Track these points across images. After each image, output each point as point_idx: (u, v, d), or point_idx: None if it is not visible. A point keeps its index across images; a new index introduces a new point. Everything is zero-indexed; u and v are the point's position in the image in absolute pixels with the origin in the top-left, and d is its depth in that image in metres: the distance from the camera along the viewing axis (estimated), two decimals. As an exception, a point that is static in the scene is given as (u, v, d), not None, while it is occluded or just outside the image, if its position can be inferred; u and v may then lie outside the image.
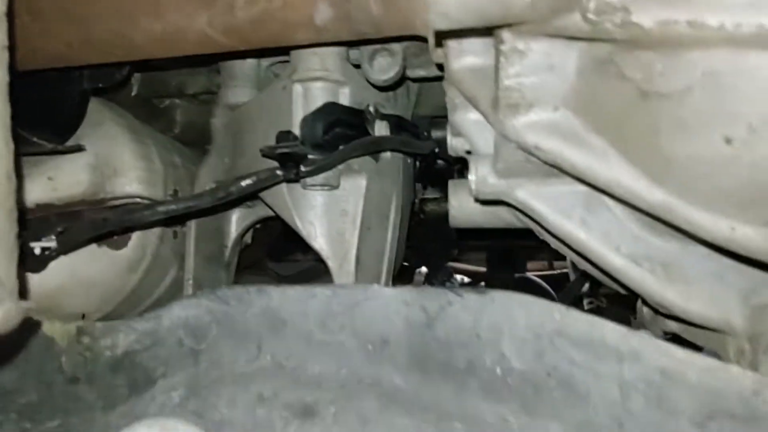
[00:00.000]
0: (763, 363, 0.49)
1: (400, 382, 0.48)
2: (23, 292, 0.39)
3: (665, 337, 0.74)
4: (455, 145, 0.67)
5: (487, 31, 0.44)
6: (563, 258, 2.12)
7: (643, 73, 0.37)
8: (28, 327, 0.57)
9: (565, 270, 2.08)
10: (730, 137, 0.35)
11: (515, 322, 0.43)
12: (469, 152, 0.63)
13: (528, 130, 0.48)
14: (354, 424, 0.42)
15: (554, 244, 0.71)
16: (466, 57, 0.54)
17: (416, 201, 1.71)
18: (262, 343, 0.52)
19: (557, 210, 0.56)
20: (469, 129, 0.60)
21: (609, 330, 0.38)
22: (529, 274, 1.90)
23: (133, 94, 1.34)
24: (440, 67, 0.80)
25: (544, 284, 1.86)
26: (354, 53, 0.97)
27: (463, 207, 0.77)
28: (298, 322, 0.51)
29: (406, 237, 1.28)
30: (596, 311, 2.07)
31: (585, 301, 2.02)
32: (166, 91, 1.40)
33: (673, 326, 0.65)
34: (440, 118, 1.35)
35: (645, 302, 0.59)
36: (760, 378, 0.32)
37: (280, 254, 1.94)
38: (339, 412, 0.44)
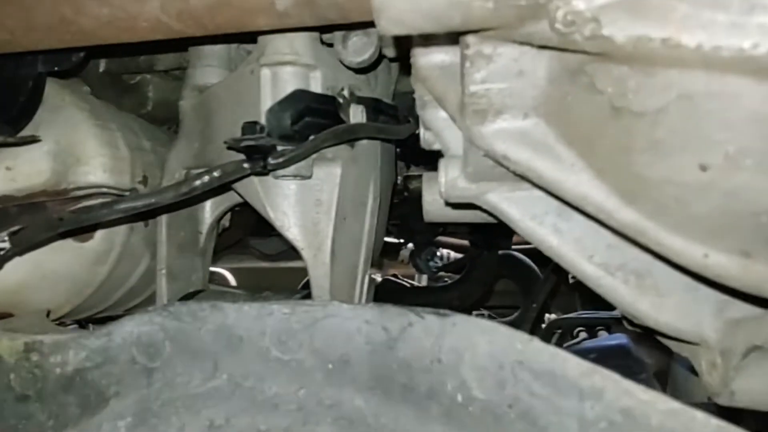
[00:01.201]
0: (735, 379, 0.48)
1: (360, 403, 0.46)
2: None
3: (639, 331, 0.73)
4: (428, 138, 0.63)
5: (451, 35, 0.40)
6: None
7: (616, 88, 0.34)
8: (-26, 343, 0.55)
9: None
10: (706, 164, 0.32)
11: (476, 348, 0.41)
12: (439, 152, 0.59)
13: (496, 138, 0.44)
14: (307, 457, 0.41)
15: (528, 237, 0.69)
16: (434, 54, 0.50)
17: (400, 179, 1.67)
18: (219, 361, 0.50)
19: (529, 215, 0.54)
20: (439, 128, 0.56)
21: (571, 365, 0.36)
22: (514, 250, 1.89)
23: (100, 70, 1.27)
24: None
25: (528, 261, 1.85)
26: (326, 34, 0.91)
27: (437, 202, 0.74)
28: (256, 340, 0.49)
29: (390, 215, 1.25)
30: (580, 286, 2.08)
31: (570, 276, 2.03)
32: (136, 66, 1.33)
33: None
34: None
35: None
36: (724, 425, 0.31)
37: (263, 231, 1.91)
38: (293, 441, 0.42)
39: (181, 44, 1.03)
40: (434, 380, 0.43)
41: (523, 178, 0.46)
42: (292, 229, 0.92)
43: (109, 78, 1.27)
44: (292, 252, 2.16)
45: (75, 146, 0.95)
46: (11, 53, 0.81)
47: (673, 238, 0.37)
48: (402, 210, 1.74)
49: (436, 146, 0.59)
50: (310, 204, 0.92)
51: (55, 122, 0.96)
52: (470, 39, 0.39)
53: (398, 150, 1.39)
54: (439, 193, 0.57)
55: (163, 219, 1.06)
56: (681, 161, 0.33)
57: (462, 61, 0.41)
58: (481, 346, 0.40)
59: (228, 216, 1.28)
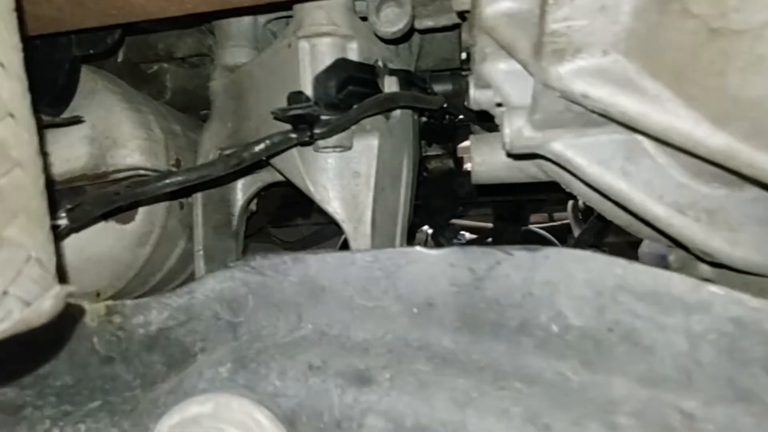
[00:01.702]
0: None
1: (449, 344, 0.47)
2: (62, 276, 0.37)
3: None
4: (480, 98, 0.64)
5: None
6: (564, 210, 2.13)
7: (714, 9, 0.35)
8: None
9: (565, 221, 2.08)
10: (811, 74, 0.33)
11: (572, 278, 0.41)
12: (499, 104, 0.60)
13: (574, 77, 0.45)
14: (412, 388, 0.41)
15: (583, 195, 0.70)
16: (502, 2, 0.50)
17: (420, 158, 1.68)
18: (302, 312, 0.51)
19: (596, 161, 0.55)
20: (500, 80, 0.57)
21: (676, 282, 0.37)
22: (533, 227, 1.90)
23: (119, 60, 1.27)
24: (461, 15, 0.76)
25: (549, 236, 1.87)
26: (360, 5, 0.91)
27: (487, 163, 0.75)
28: (338, 290, 0.50)
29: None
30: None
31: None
32: (155, 54, 1.33)
33: (706, 272, 0.65)
34: (441, 72, 1.31)
35: (684, 248, 0.58)
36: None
37: (280, 220, 1.92)
38: (395, 377, 0.43)
39: (217, 17, 1.03)
40: (526, 314, 0.44)
41: (602, 116, 0.46)
42: (332, 203, 0.93)
43: (128, 68, 1.28)
44: (311, 239, 2.16)
45: (111, 129, 0.96)
46: (48, 36, 0.82)
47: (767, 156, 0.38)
48: (422, 190, 1.74)
49: (496, 100, 0.60)
50: (348, 176, 0.93)
51: (89, 107, 0.96)
52: (556, -26, 0.40)
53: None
54: (503, 144, 0.58)
55: (199, 201, 1.07)
56: (784, 74, 0.34)
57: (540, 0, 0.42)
58: (577, 275, 0.41)
59: (255, 201, 1.29)
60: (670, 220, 0.52)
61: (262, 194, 1.31)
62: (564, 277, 0.42)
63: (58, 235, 0.75)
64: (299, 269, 0.51)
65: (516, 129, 0.56)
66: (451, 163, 1.69)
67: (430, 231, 2.05)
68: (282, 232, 2.05)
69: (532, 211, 1.89)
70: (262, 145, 0.77)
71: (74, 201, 0.77)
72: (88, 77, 0.99)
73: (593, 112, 0.46)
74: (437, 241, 1.85)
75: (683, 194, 0.52)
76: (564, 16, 0.42)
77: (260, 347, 0.48)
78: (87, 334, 0.55)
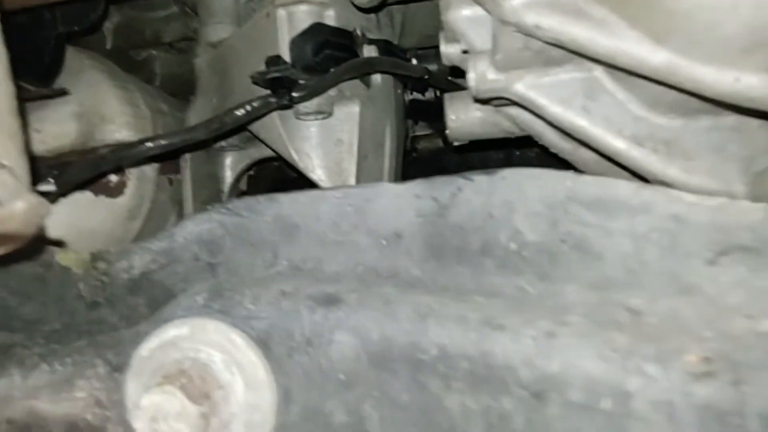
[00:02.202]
0: (764, 225, 0.51)
1: (416, 272, 0.49)
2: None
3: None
4: (449, 53, 0.66)
5: None
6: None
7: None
8: (42, 258, 0.58)
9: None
10: (736, -22, 0.35)
11: (527, 196, 0.43)
12: (465, 52, 0.62)
13: (527, 10, 0.47)
14: (378, 304, 0.43)
15: (554, 146, 0.72)
16: (459, -56, 0.52)
17: (408, 138, 1.69)
18: (278, 249, 0.53)
19: (557, 100, 0.57)
20: (464, 27, 0.59)
21: (620, 187, 0.39)
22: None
23: (107, 47, 1.30)
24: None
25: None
26: (336, -26, 0.93)
27: (461, 119, 0.77)
28: (311, 226, 0.52)
29: (400, 174, 1.28)
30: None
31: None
32: (143, 41, 1.35)
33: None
34: (426, 50, 1.33)
35: (645, 181, 0.60)
36: (769, 208, 0.34)
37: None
38: (362, 297, 0.45)
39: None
40: (487, 236, 0.46)
41: (555, 46, 0.48)
42: (316, 170, 0.95)
43: (117, 55, 1.30)
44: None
45: (99, 106, 0.98)
46: (32, 13, 0.84)
47: (705, 69, 0.40)
48: (411, 171, 1.76)
49: (463, 47, 0.62)
50: (331, 144, 0.95)
51: (76, 84, 0.98)
52: None
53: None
54: (470, 89, 0.60)
55: (188, 177, 1.09)
56: (711, -18, 0.36)
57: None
58: (531, 192, 0.43)
59: (245, 180, 1.31)
60: (629, 153, 0.55)
61: (252, 174, 1.33)
62: (520, 195, 0.44)
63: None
64: (273, 208, 0.53)
65: (480, 72, 0.58)
66: (440, 142, 1.71)
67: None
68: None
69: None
70: (242, 110, 0.79)
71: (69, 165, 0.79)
72: (74, 56, 1.01)
73: (547, 43, 0.48)
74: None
75: (641, 127, 0.54)
76: (513, -51, 0.44)
77: (237, 281, 0.50)
78: (73, 280, 0.57)
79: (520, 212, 0.44)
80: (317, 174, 0.96)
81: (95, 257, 0.57)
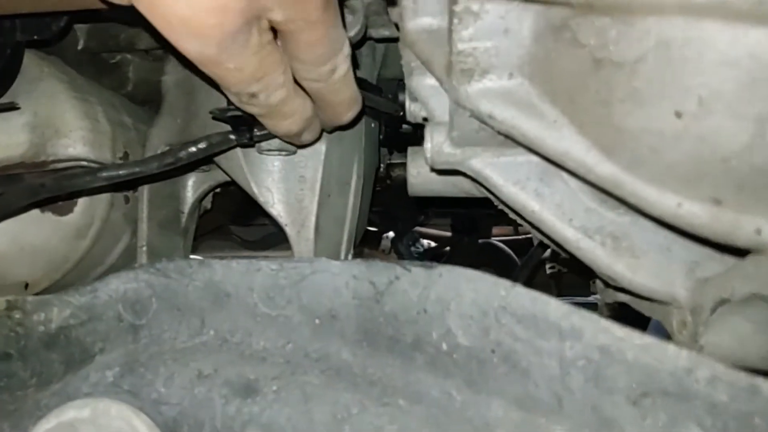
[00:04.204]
0: (703, 334, 0.50)
1: (347, 356, 0.47)
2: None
3: (615, 306, 0.76)
4: (413, 110, 0.64)
5: (439, -10, 0.41)
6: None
7: (597, 40, 0.35)
8: (-47, 301, 0.54)
9: (529, 235, 2.11)
10: (680, 110, 0.34)
11: (462, 297, 0.42)
12: (425, 119, 0.60)
13: (481, 98, 0.46)
14: (296, 401, 0.41)
15: (511, 213, 0.71)
16: (422, 18, 0.51)
17: (382, 166, 1.68)
18: (206, 317, 0.50)
19: (511, 180, 0.55)
20: (425, 95, 0.58)
21: (552, 307, 0.37)
22: (494, 240, 1.92)
23: (79, 48, 1.25)
24: (398, 26, 0.76)
25: (507, 250, 1.89)
26: (313, 10, 0.91)
27: (422, 175, 0.76)
28: (243, 297, 0.49)
29: (371, 202, 1.26)
30: (557, 276, 2.13)
31: (547, 266, 2.08)
32: (116, 45, 1.31)
33: (622, 296, 0.66)
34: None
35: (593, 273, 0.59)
36: (694, 356, 0.33)
37: (243, 218, 1.90)
38: (281, 389, 0.43)
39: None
40: (420, 330, 0.44)
41: (507, 137, 0.47)
42: (276, 206, 0.93)
43: (88, 57, 1.25)
44: (273, 239, 2.15)
45: (54, 118, 0.94)
46: (-11, 20, 0.80)
47: (649, 189, 0.39)
48: (384, 198, 1.75)
49: (423, 114, 0.60)
50: (294, 180, 0.93)
51: (33, 94, 0.94)
52: (459, -5, 0.40)
53: (381, 136, 1.40)
54: (425, 159, 0.58)
55: (145, 195, 1.05)
56: (658, 109, 0.35)
57: (450, 18, 0.43)
58: (466, 295, 0.42)
59: (210, 198, 1.28)
60: (578, 243, 0.53)
61: (218, 192, 1.29)
62: (455, 295, 0.42)
63: (-19, 224, 0.73)
64: (204, 273, 0.50)
65: (437, 144, 0.57)
66: (412, 172, 1.70)
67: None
68: (244, 231, 2.03)
69: (493, 223, 1.91)
70: (200, 145, 0.77)
71: (8, 186, 0.75)
72: (34, 63, 0.96)
73: (500, 133, 0.47)
74: (396, 249, 1.86)
75: (591, 219, 0.53)
76: (469, 37, 0.43)
77: (156, 351, 0.48)
78: (-15, 328, 0.53)
79: (454, 312, 0.43)
80: (276, 209, 0.93)
81: (11, 305, 0.53)
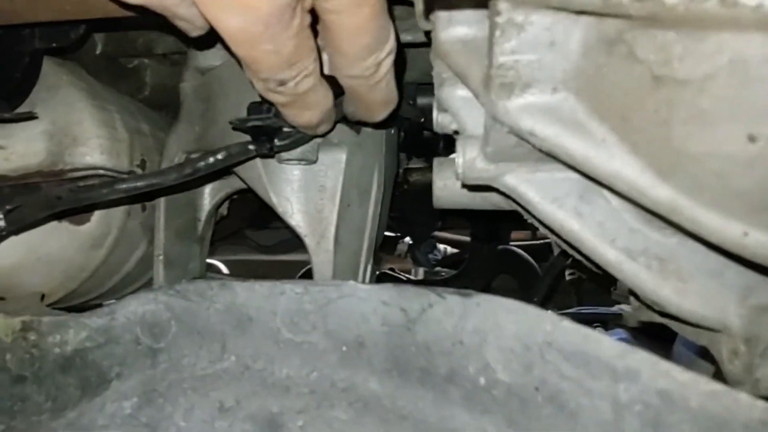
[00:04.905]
0: (760, 366, 0.47)
1: (375, 386, 0.45)
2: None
3: (642, 326, 0.72)
4: (442, 121, 0.61)
5: (482, 0, 0.38)
6: (547, 228, 2.10)
7: (659, 56, 0.32)
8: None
9: (548, 240, 2.07)
10: (755, 135, 0.31)
11: (502, 329, 0.39)
12: (456, 132, 0.57)
13: (522, 113, 0.42)
14: (323, 440, 0.39)
15: (543, 229, 0.67)
16: (457, 27, 0.48)
17: (401, 171, 1.65)
18: (227, 342, 0.48)
19: (549, 198, 0.52)
20: (456, 107, 0.55)
21: (605, 345, 0.34)
22: (513, 246, 1.88)
23: (97, 52, 1.24)
24: (428, 34, 0.73)
25: (526, 256, 1.84)
26: (334, 15, 0.89)
27: (448, 187, 0.73)
28: (266, 321, 0.47)
29: (389, 208, 1.24)
30: (577, 282, 2.08)
31: (566, 273, 2.03)
32: (134, 49, 1.30)
33: (661, 318, 0.62)
34: (427, 85, 1.29)
35: (636, 296, 0.56)
36: (771, 408, 0.29)
37: (259, 223, 1.88)
38: (307, 424, 0.40)
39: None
40: (455, 363, 0.41)
41: (549, 155, 0.44)
42: (295, 216, 0.90)
43: (106, 61, 1.24)
44: (288, 243, 2.13)
45: (72, 126, 0.92)
46: (8, 27, 0.79)
47: (711, 215, 0.36)
48: (402, 203, 1.72)
49: (453, 126, 0.57)
50: (313, 190, 0.90)
51: (51, 102, 0.93)
52: (502, 5, 0.37)
53: (400, 142, 1.37)
54: (456, 174, 0.55)
55: (162, 204, 1.04)
56: (727, 132, 0.32)
57: (491, 30, 0.40)
58: (507, 327, 0.39)
59: (226, 204, 1.26)
60: (621, 266, 0.50)
61: (235, 198, 1.28)
62: (494, 327, 0.39)
63: (-2, 236, 0.71)
64: (226, 296, 0.48)
65: (469, 159, 0.54)
66: (431, 178, 1.67)
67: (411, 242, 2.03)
68: (260, 236, 2.02)
69: (513, 228, 1.87)
70: (219, 156, 0.74)
71: (25, 198, 0.74)
72: (53, 71, 0.95)
73: (541, 150, 0.44)
74: (413, 256, 1.82)
75: (635, 240, 0.50)
76: (512, 49, 0.40)
77: (175, 379, 0.45)
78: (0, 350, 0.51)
79: (492, 345, 0.40)
80: (295, 219, 0.91)
81: (26, 326, 0.51)
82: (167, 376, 0.46)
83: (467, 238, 2.05)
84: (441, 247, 2.21)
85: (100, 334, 0.50)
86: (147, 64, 1.38)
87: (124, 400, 0.42)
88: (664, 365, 0.32)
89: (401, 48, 1.05)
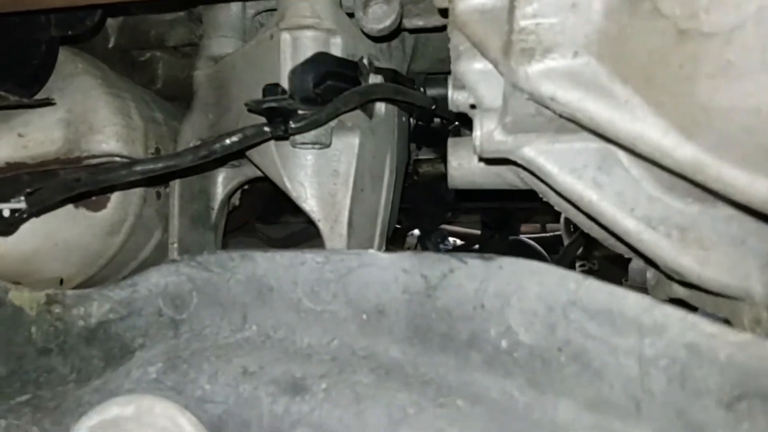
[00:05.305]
0: (783, 333, 0.46)
1: (396, 354, 0.45)
2: None
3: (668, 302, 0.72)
4: (458, 99, 0.61)
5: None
6: (557, 221, 2.10)
7: (684, 9, 0.32)
8: (-6, 295, 0.53)
9: (558, 233, 2.06)
10: (783, 84, 0.31)
11: (525, 291, 0.39)
12: (473, 106, 0.57)
13: (543, 79, 0.42)
14: (347, 401, 0.39)
15: (559, 206, 0.67)
16: (474, -4, 0.48)
17: (410, 162, 1.66)
18: (248, 312, 0.48)
19: (568, 169, 0.52)
20: (473, 80, 0.55)
21: (630, 301, 0.34)
22: (523, 237, 1.88)
23: (110, 45, 1.25)
24: (443, 12, 0.73)
25: (538, 247, 1.84)
26: (347, 0, 0.89)
27: (463, 167, 0.73)
28: (287, 291, 0.47)
29: (400, 198, 1.24)
30: (588, 273, 2.07)
31: (577, 264, 2.02)
32: (146, 42, 1.31)
33: (679, 291, 0.62)
34: (436, 75, 1.28)
35: (655, 266, 0.55)
36: (803, 356, 0.29)
37: (269, 216, 1.89)
38: (331, 388, 0.40)
39: (199, 3, 1.01)
40: (476, 327, 0.41)
41: (571, 121, 0.44)
42: (309, 201, 0.91)
43: (119, 54, 1.26)
44: (298, 237, 2.13)
45: (88, 114, 0.93)
46: (24, 14, 0.80)
47: (737, 172, 0.36)
48: (411, 194, 1.72)
49: (470, 101, 0.57)
50: (327, 175, 0.91)
51: (67, 90, 0.94)
52: (523, -33, 0.37)
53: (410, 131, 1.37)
54: (474, 147, 0.55)
55: (176, 191, 1.04)
56: (755, 84, 0.32)
57: (510, -7, 0.40)
58: (530, 289, 0.39)
59: (238, 195, 1.27)
60: (640, 235, 0.50)
61: (246, 189, 1.28)
62: (517, 289, 0.39)
63: (19, 218, 0.72)
64: (247, 267, 0.48)
65: (487, 132, 0.54)
66: (442, 168, 1.67)
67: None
68: (270, 229, 2.02)
69: (523, 220, 1.86)
70: (234, 138, 0.75)
71: (44, 182, 0.75)
72: (68, 59, 0.97)
73: (561, 116, 0.44)
74: (423, 246, 1.82)
75: (655, 208, 0.50)
76: (533, 13, 0.40)
77: (198, 348, 0.46)
78: (25, 323, 0.52)
79: (515, 308, 0.40)
80: (309, 204, 0.91)
81: (51, 299, 0.52)
82: (190, 345, 0.47)
83: (477, 232, 2.05)
84: (451, 239, 2.21)
85: (123, 306, 0.50)
86: (159, 56, 1.39)
87: (149, 365, 0.42)
88: (692, 318, 0.32)
89: (414, 32, 1.05)
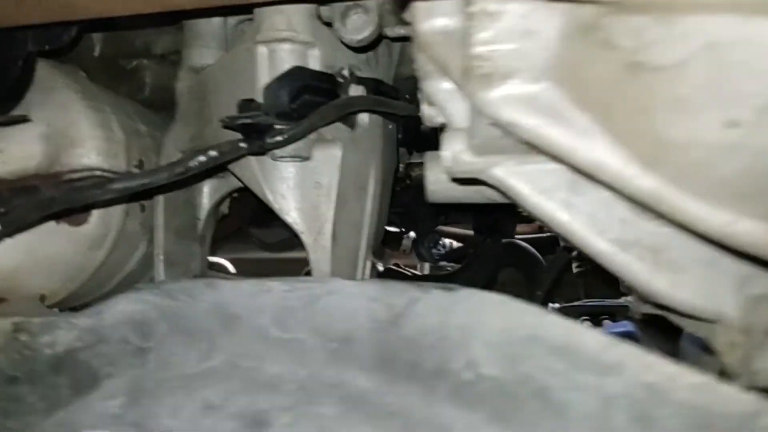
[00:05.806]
0: (757, 357, 0.46)
1: (364, 383, 0.44)
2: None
3: (649, 318, 0.71)
4: (429, 114, 0.61)
5: (456, -12, 0.38)
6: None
7: (634, 41, 0.31)
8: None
9: (554, 233, 2.04)
10: (735, 120, 0.30)
11: (486, 324, 0.38)
12: (443, 125, 0.57)
13: (503, 104, 0.42)
14: (309, 437, 0.39)
15: (536, 218, 0.66)
16: (437, 18, 0.47)
17: (402, 166, 1.65)
18: (215, 340, 0.48)
19: (538, 190, 0.51)
20: (441, 99, 0.54)
21: (589, 338, 0.34)
22: (517, 239, 1.87)
23: (95, 54, 1.24)
24: (415, 26, 0.72)
25: (532, 249, 1.83)
26: (325, 10, 0.88)
27: (441, 182, 0.72)
28: (253, 319, 0.47)
29: (391, 202, 1.23)
30: (584, 274, 2.06)
31: (573, 265, 2.01)
32: (132, 50, 1.30)
33: (657, 309, 0.61)
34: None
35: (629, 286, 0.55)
36: (759, 400, 0.28)
37: (262, 221, 1.88)
38: (295, 421, 0.40)
39: (177, 19, 1.00)
40: (442, 358, 0.41)
41: (532, 147, 0.43)
42: (291, 213, 0.90)
43: (105, 63, 1.25)
44: (293, 241, 2.13)
45: (68, 128, 0.93)
46: (1, 31, 0.79)
47: (698, 204, 0.35)
48: (404, 198, 1.71)
49: (440, 119, 0.57)
50: (309, 187, 0.90)
51: (46, 104, 0.93)
52: (478, -6, 0.37)
53: (400, 136, 1.36)
54: (444, 168, 0.55)
55: (161, 204, 1.04)
56: (706, 119, 0.31)
57: (465, 20, 0.39)
58: (491, 322, 0.38)
59: (227, 203, 1.26)
60: (612, 257, 0.49)
61: (236, 196, 1.28)
62: (478, 322, 0.39)
63: (-6, 239, 0.72)
64: (212, 295, 0.48)
65: (456, 153, 0.53)
66: (433, 172, 1.66)
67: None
68: (264, 233, 2.02)
69: (519, 221, 1.86)
70: (210, 153, 0.74)
71: (19, 201, 0.74)
72: (48, 73, 0.96)
73: (523, 143, 0.43)
74: (417, 250, 1.82)
75: (627, 230, 0.49)
76: (488, 39, 0.39)
77: (163, 378, 0.45)
78: (-8, 352, 0.52)
79: (477, 340, 0.39)
80: (292, 217, 0.91)
81: (18, 327, 0.52)
82: (155, 375, 0.46)
83: (470, 232, 2.04)
84: (447, 241, 2.20)
85: (90, 334, 0.50)
86: (146, 64, 1.38)
87: (111, 399, 0.42)
88: (649, 358, 0.32)
89: (398, 41, 1.04)
